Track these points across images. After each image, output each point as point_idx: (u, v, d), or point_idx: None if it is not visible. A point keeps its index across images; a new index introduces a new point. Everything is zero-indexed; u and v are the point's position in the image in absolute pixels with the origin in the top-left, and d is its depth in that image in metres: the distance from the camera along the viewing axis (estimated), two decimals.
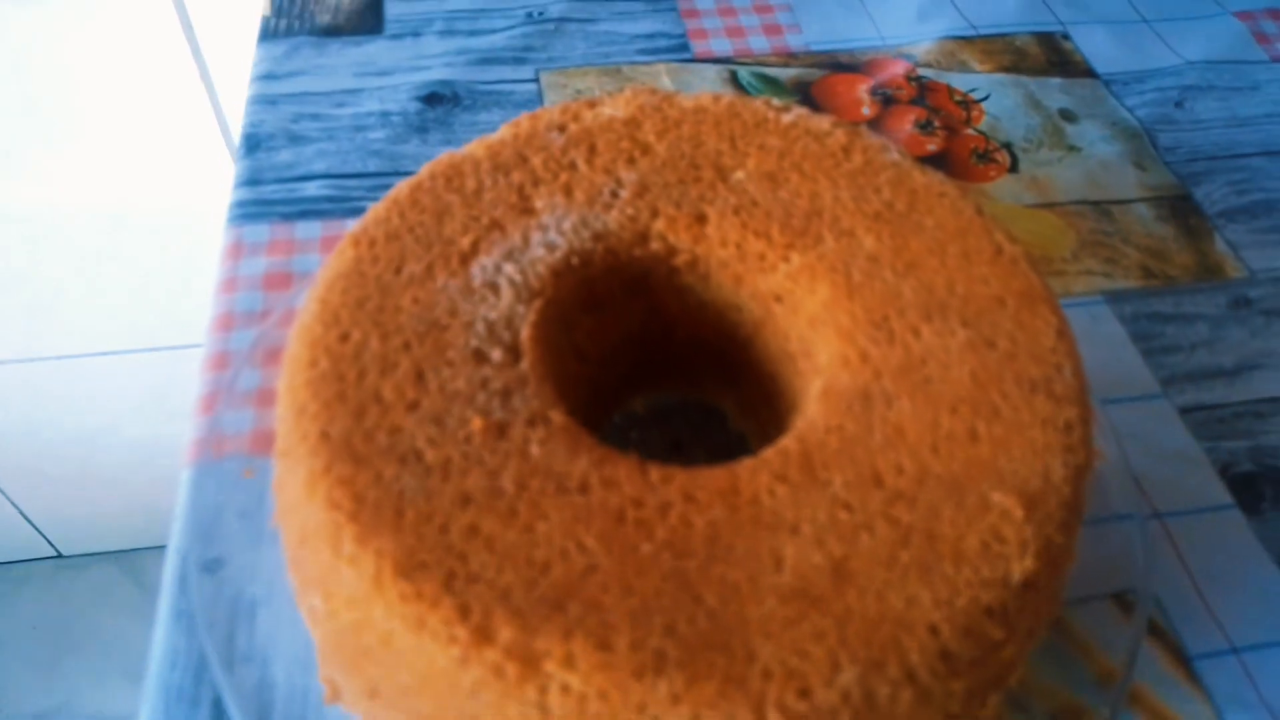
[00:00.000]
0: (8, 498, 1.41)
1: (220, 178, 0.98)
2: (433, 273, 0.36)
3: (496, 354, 0.34)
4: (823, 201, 0.39)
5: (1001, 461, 0.32)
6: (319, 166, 0.57)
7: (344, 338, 0.33)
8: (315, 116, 0.60)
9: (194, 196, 1.00)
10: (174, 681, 0.39)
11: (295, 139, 0.59)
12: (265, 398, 0.46)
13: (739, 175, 0.40)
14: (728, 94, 0.43)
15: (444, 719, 0.28)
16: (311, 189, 0.56)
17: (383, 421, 0.31)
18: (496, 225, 0.38)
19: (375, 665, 0.29)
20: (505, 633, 0.27)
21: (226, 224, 0.54)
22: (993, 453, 0.32)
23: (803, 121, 0.42)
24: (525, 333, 0.35)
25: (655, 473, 0.31)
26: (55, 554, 1.54)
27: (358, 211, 0.55)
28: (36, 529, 1.49)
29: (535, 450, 0.31)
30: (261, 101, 0.61)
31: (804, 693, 0.26)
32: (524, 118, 0.41)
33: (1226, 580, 0.45)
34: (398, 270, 0.36)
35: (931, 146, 0.64)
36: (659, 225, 0.38)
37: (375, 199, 0.59)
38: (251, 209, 0.55)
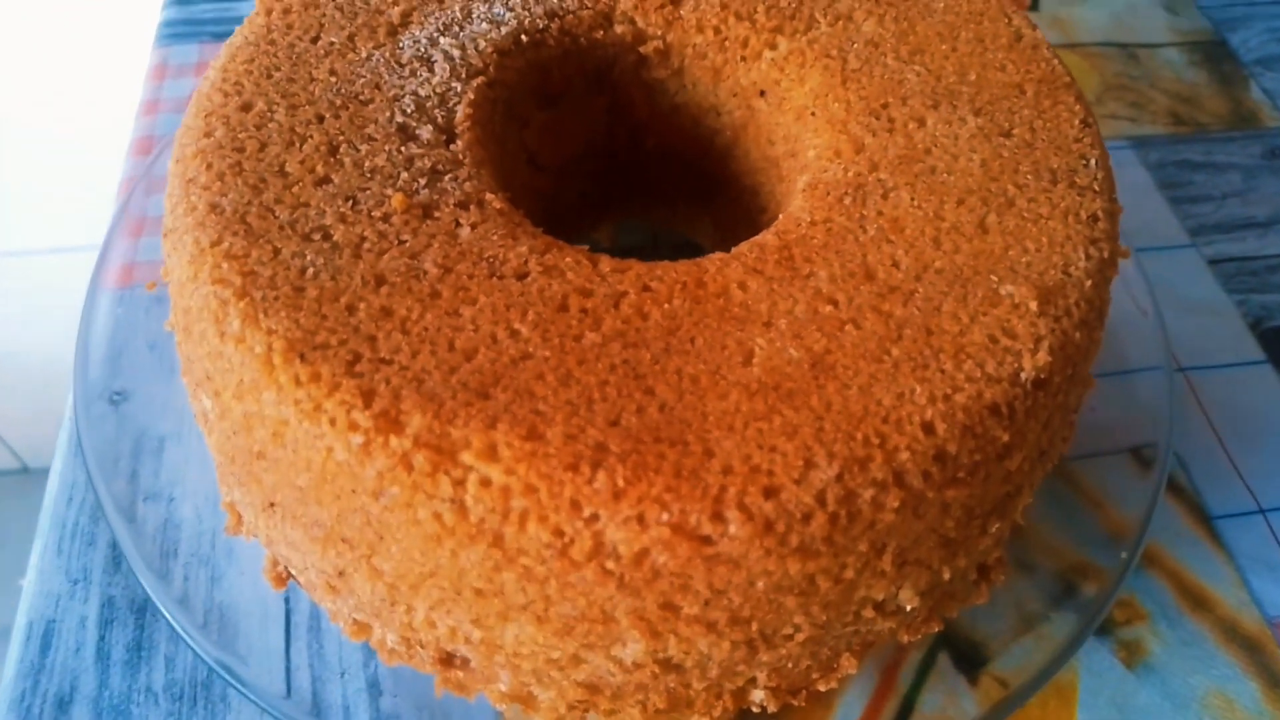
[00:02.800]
0: None
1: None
2: (355, 43, 0.31)
3: (426, 132, 0.29)
4: None
5: (1014, 254, 0.28)
6: None
7: (245, 107, 0.29)
8: None
9: (104, 93, 0.93)
10: (69, 519, 0.35)
11: None
12: None
13: None
14: None
15: (346, 529, 0.24)
16: (245, 9, 0.51)
17: (285, 196, 0.27)
18: None
19: (269, 469, 0.25)
20: (416, 419, 0.22)
21: (153, 45, 0.49)
22: (1004, 245, 0.28)
23: None
24: (462, 112, 0.30)
25: (607, 263, 0.27)
26: (21, 466, 1.51)
27: None
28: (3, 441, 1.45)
29: (465, 233, 0.27)
30: None
31: (770, 491, 0.22)
32: None
33: (1255, 438, 0.41)
34: (314, 39, 0.31)
35: None
36: (625, 4, 0.34)
37: None
38: (180, 28, 0.49)
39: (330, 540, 0.25)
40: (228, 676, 0.30)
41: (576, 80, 0.34)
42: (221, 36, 0.49)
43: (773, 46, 0.33)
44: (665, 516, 0.22)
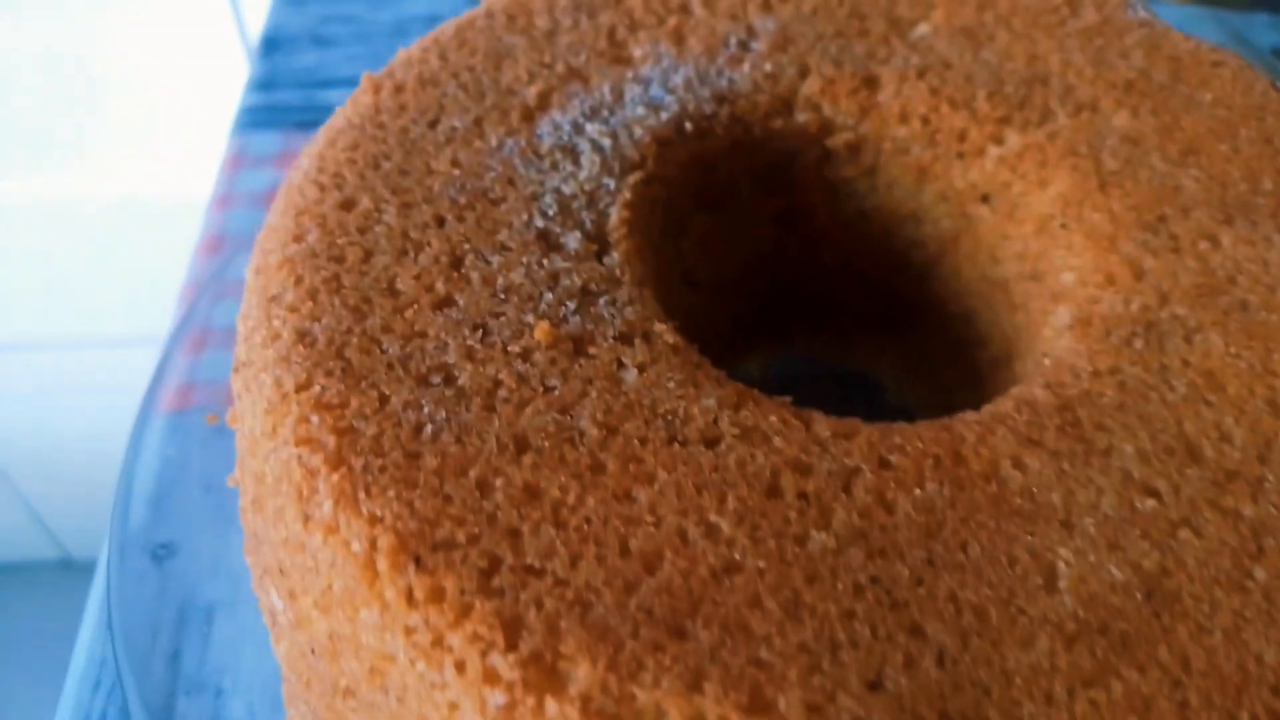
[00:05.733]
0: (20, 495, 1.34)
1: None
2: (482, 128, 0.25)
3: (573, 240, 0.23)
4: (1048, 66, 0.28)
5: None
6: (346, 72, 0.47)
7: (347, 205, 0.23)
8: (348, 19, 0.51)
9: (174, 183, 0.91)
10: (95, 708, 0.28)
11: (321, 42, 0.49)
12: None
13: (922, 29, 0.29)
14: None
15: None
16: (335, 96, 0.46)
17: (395, 322, 0.20)
18: (576, 76, 0.27)
19: (361, 714, 0.18)
20: (584, 670, 0.15)
21: (230, 133, 0.44)
22: None
23: None
24: (617, 215, 0.24)
25: (823, 424, 0.20)
26: (64, 557, 1.47)
27: None
28: (47, 531, 1.42)
29: (631, 378, 0.20)
30: (287, 3, 0.51)
31: None
32: None
33: None
34: (432, 123, 0.25)
35: None
36: (810, 88, 0.27)
37: None
38: (261, 115, 0.45)
39: None
40: None
41: (744, 178, 0.28)
42: (306, 125, 0.44)
43: (999, 141, 0.27)
44: None
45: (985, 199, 0.27)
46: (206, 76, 0.73)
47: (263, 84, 0.46)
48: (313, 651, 0.18)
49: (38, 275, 1.04)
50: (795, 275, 0.31)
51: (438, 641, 0.16)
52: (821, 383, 0.35)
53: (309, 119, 0.45)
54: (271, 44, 0.49)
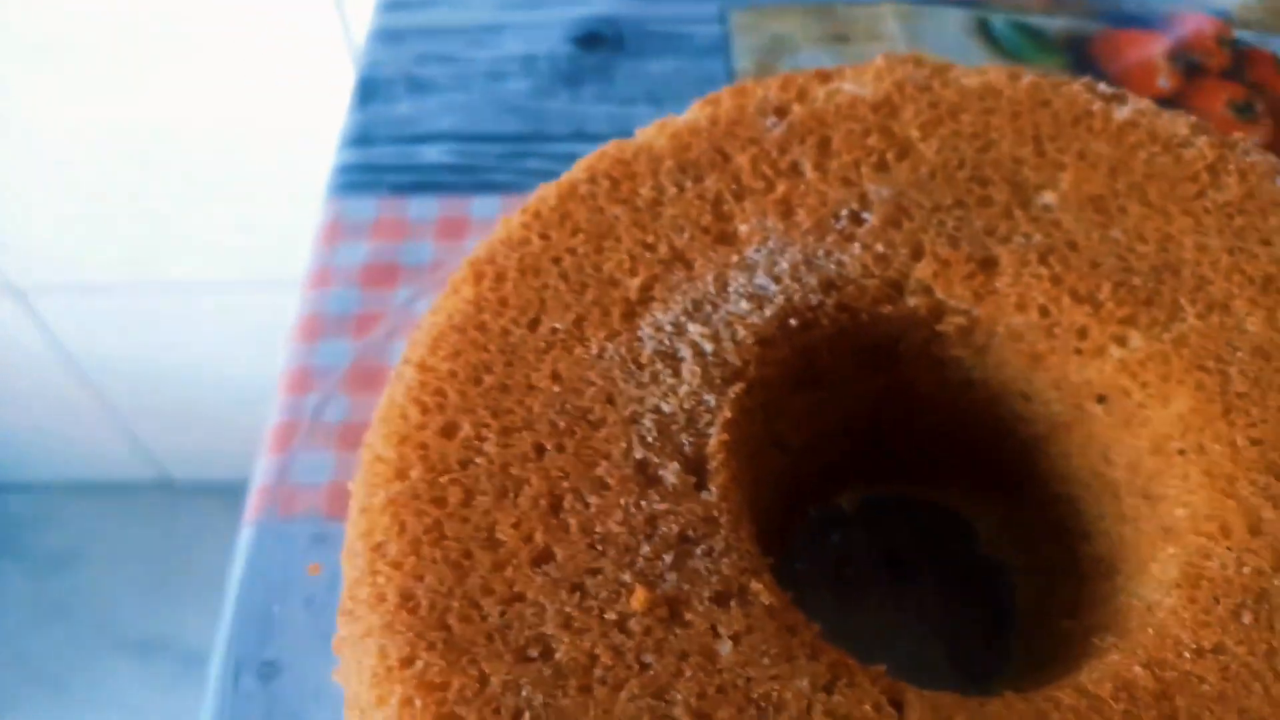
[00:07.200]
0: (121, 421, 1.42)
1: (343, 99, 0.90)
2: (583, 330, 0.25)
3: (670, 473, 0.23)
4: (1180, 251, 0.27)
5: None
6: (444, 124, 0.48)
7: (448, 431, 0.24)
8: (445, 58, 0.51)
9: (316, 122, 0.93)
10: None
11: (417, 86, 0.49)
12: (356, 436, 0.37)
13: (1048, 198, 0.28)
14: (1030, 72, 0.30)
15: None
16: (432, 154, 0.46)
17: (494, 581, 0.21)
18: (680, 259, 0.27)
19: None
20: None
21: (326, 195, 0.45)
22: None
23: (1146, 121, 0.29)
24: (715, 439, 0.24)
25: (916, 709, 0.20)
26: (166, 480, 1.56)
27: (486, 187, 0.45)
28: (148, 454, 1.51)
29: (727, 652, 0.21)
30: (384, 38, 0.52)
31: None
32: (726, 93, 0.30)
33: None
34: (533, 323, 0.25)
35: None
36: (923, 271, 0.27)
37: (509, 171, 0.49)
38: (357, 175, 0.45)
39: None
40: None
41: (847, 360, 0.28)
42: (402, 189, 0.45)
43: (1122, 342, 0.26)
44: None
45: (1101, 399, 0.27)
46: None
47: (358, 139, 0.47)
48: None
49: (150, 214, 1.08)
50: (893, 433, 0.31)
51: None
52: (912, 510, 0.35)
53: (404, 181, 0.45)
54: (368, 87, 0.49)
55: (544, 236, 0.27)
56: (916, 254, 0.27)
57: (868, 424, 0.30)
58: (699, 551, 0.22)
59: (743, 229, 0.27)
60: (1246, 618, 0.22)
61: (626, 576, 0.21)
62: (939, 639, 0.33)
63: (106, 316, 1.23)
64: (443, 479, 0.23)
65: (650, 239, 0.27)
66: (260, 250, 1.13)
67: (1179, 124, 0.29)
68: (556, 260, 0.27)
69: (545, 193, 0.28)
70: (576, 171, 0.29)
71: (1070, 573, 0.28)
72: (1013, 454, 0.30)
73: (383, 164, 0.46)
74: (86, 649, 1.37)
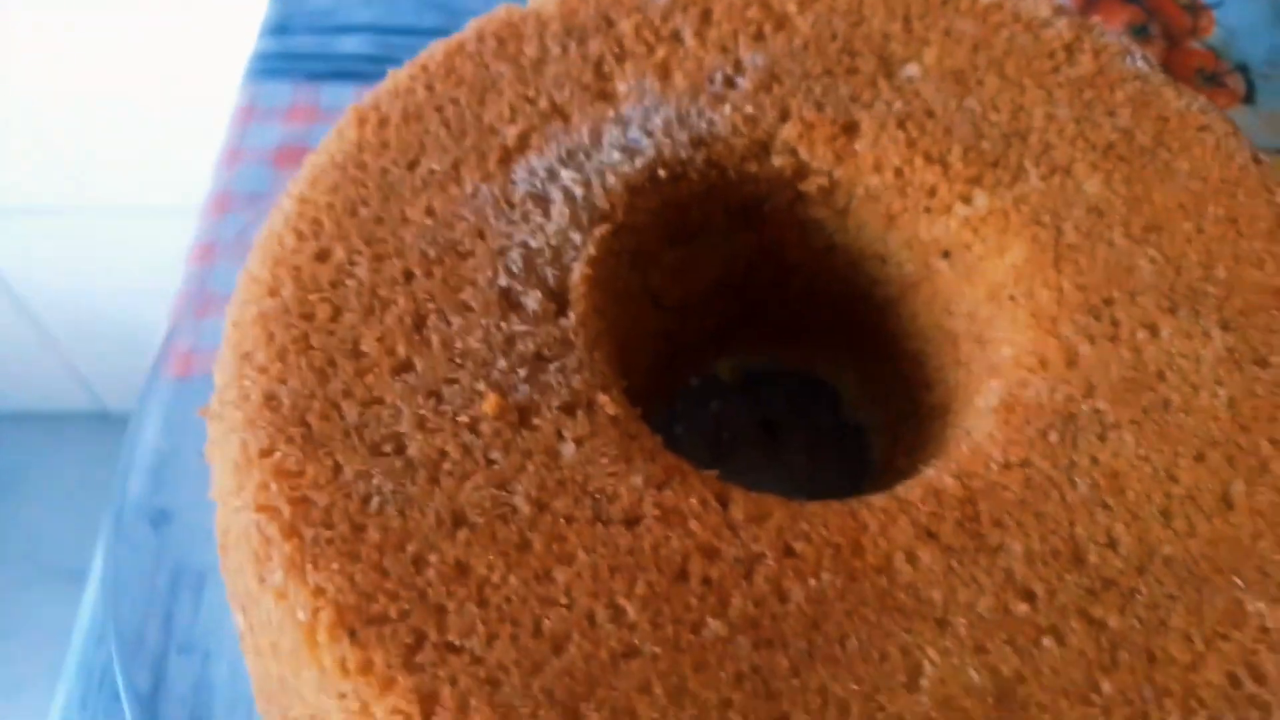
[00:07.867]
0: (58, 350, 1.41)
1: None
2: (459, 172, 0.27)
3: (532, 300, 0.25)
4: (1030, 119, 0.29)
5: (1265, 546, 0.22)
6: (363, 16, 0.48)
7: (321, 255, 0.25)
8: None
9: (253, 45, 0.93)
10: (97, 664, 0.32)
11: None
12: None
13: (911, 70, 0.30)
14: None
15: None
16: (350, 44, 0.47)
17: (355, 387, 0.23)
18: (558, 112, 0.28)
19: None
20: None
21: (242, 80, 0.46)
22: (1253, 531, 0.22)
23: (1011, 3, 0.31)
24: (578, 271, 0.26)
25: (740, 506, 0.22)
26: (101, 410, 1.55)
27: None
28: (85, 383, 1.50)
29: (569, 452, 0.23)
30: None
31: None
32: None
33: None
34: (412, 164, 0.27)
35: None
36: (788, 132, 0.29)
37: None
38: (274, 63, 0.46)
39: None
40: None
41: (717, 217, 0.30)
42: (317, 76, 0.46)
43: (967, 200, 0.28)
44: None
45: (946, 255, 0.29)
46: None
47: (276, 28, 0.48)
48: (269, 683, 0.22)
49: (79, 142, 1.07)
50: (764, 297, 0.33)
51: (365, 710, 0.19)
52: (789, 381, 0.37)
53: (319, 70, 0.46)
54: None
55: (429, 88, 0.28)
56: (784, 116, 0.29)
57: (739, 285, 0.32)
58: (553, 368, 0.24)
59: (621, 88, 0.29)
60: (1053, 437, 0.24)
61: (481, 386, 0.23)
62: (806, 496, 0.35)
63: (42, 242, 1.22)
64: (312, 296, 0.24)
65: (531, 93, 0.28)
66: (200, 176, 1.12)
67: (1042, 6, 0.31)
68: (439, 109, 0.28)
69: (434, 48, 0.29)
70: (466, 31, 0.30)
71: (913, 422, 0.31)
72: (870, 316, 0.32)
73: (300, 52, 0.47)
74: (17, 578, 1.37)
